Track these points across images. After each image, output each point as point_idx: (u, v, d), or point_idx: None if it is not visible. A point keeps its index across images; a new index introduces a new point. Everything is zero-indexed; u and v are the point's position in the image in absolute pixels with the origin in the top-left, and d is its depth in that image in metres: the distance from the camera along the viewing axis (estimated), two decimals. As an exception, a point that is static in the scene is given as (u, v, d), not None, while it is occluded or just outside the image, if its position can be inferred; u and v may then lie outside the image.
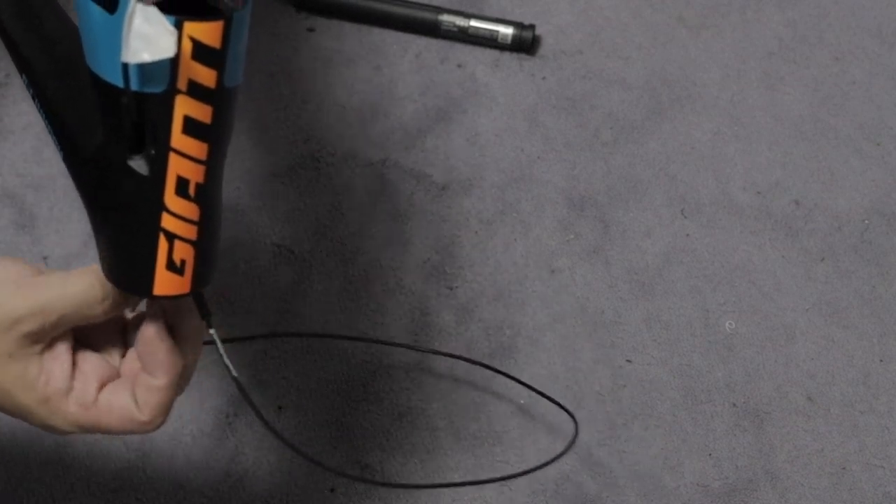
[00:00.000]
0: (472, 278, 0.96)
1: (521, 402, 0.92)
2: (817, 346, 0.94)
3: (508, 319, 0.94)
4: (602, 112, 1.00)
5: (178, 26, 0.51)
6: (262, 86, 1.01)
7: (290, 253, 0.96)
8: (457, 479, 0.90)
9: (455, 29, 1.01)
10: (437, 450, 0.91)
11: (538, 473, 0.90)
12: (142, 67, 0.52)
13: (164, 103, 0.53)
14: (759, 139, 0.99)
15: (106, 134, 0.55)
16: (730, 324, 0.94)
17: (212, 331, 0.61)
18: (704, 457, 0.91)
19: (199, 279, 0.59)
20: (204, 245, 0.58)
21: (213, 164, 0.56)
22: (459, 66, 1.02)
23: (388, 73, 1.01)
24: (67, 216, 0.96)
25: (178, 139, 0.54)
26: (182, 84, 0.53)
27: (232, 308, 0.94)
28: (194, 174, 0.56)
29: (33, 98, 0.60)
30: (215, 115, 0.55)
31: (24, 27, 0.62)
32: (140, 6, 0.51)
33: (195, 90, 0.53)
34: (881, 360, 0.93)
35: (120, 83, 0.53)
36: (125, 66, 0.52)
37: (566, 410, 0.84)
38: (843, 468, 0.90)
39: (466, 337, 0.94)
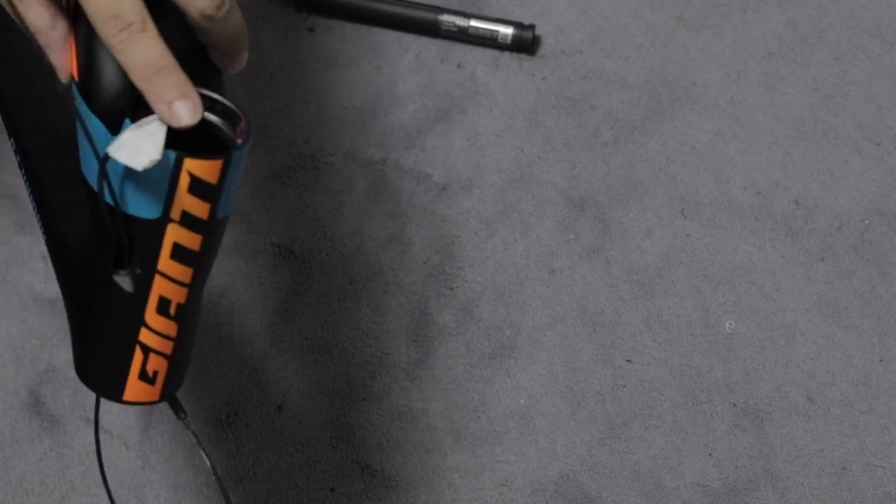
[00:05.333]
0: (472, 278, 0.96)
1: (521, 402, 0.92)
2: (817, 346, 0.94)
3: (508, 319, 0.94)
4: (602, 112, 1.00)
5: (179, 161, 0.51)
6: (262, 86, 1.01)
7: (290, 253, 0.96)
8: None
9: (455, 29, 1.01)
10: (437, 450, 0.91)
11: (538, 474, 0.90)
12: (136, 195, 0.52)
13: (156, 230, 0.53)
14: (759, 139, 0.99)
15: (95, 244, 0.55)
16: (730, 324, 0.94)
17: (186, 422, 0.62)
18: (704, 457, 0.91)
19: (168, 387, 0.59)
20: (177, 359, 0.58)
21: (195, 287, 0.57)
22: (459, 66, 1.02)
23: (388, 73, 1.01)
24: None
25: (166, 263, 0.54)
26: (175, 214, 0.53)
27: (232, 308, 0.94)
28: (177, 295, 0.56)
29: (20, 167, 0.59)
30: (204, 244, 0.55)
31: (21, 98, 0.60)
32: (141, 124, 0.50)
33: (187, 220, 0.53)
34: (881, 360, 0.93)
35: (112, 202, 0.52)
36: (122, 193, 0.51)
37: None
38: (843, 468, 0.90)
39: (466, 337, 0.94)
